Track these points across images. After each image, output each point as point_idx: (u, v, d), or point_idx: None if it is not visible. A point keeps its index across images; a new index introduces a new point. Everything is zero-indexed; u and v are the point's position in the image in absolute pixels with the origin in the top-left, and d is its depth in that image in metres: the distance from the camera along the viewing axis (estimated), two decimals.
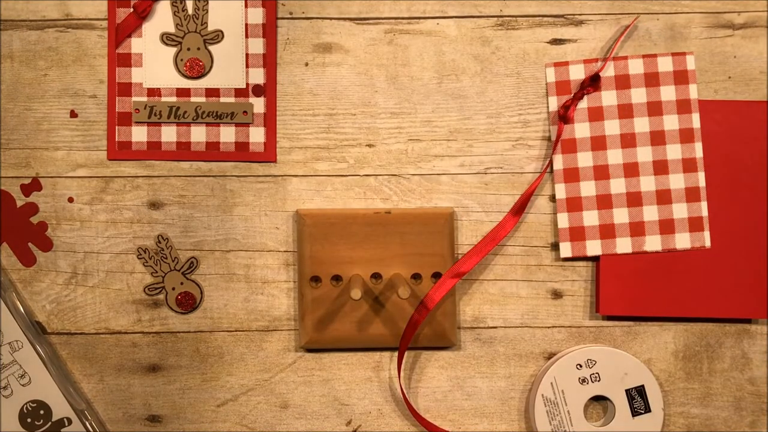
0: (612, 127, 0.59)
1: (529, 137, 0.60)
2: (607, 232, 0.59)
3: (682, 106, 0.59)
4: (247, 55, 0.59)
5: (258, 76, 0.59)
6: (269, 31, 0.59)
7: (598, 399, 0.60)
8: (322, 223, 0.58)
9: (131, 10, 0.58)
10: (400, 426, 0.60)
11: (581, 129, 0.59)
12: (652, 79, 0.59)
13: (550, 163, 0.59)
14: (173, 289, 0.59)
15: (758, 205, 0.59)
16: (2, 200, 0.59)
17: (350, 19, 0.59)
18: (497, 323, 0.60)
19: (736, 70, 0.60)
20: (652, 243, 0.59)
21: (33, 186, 0.59)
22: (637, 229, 0.59)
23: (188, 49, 0.59)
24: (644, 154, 0.59)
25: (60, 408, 0.58)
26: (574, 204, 0.59)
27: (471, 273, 0.59)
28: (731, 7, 0.59)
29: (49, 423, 0.58)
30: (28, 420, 0.58)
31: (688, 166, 0.59)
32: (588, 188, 0.59)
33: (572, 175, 0.59)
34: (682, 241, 0.59)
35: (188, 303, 0.59)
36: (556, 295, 0.60)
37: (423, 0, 0.59)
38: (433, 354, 0.60)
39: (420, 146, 0.60)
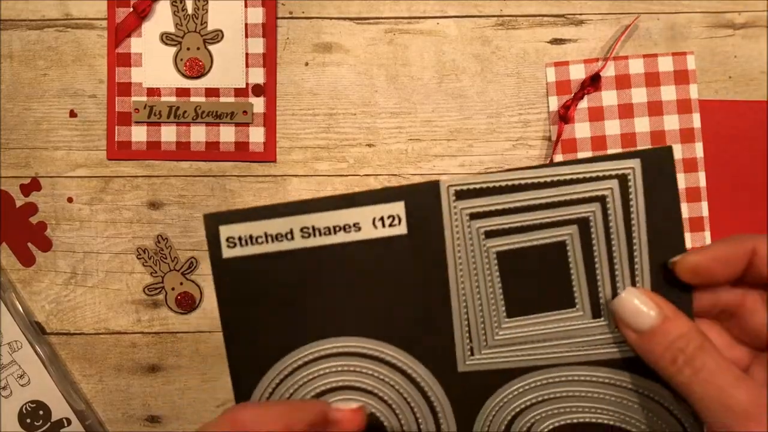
0: (612, 127, 0.59)
1: (530, 137, 0.60)
2: None
3: (683, 106, 0.59)
4: (246, 54, 0.59)
5: (258, 76, 0.59)
6: (269, 30, 0.59)
7: None
8: None
9: (131, 9, 0.58)
10: None
11: (582, 129, 0.59)
12: (652, 79, 0.59)
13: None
14: (173, 289, 0.59)
15: (758, 205, 0.59)
16: (2, 200, 0.59)
17: (350, 19, 0.59)
18: None
19: (737, 69, 0.60)
20: None
21: (32, 186, 0.59)
22: None
23: (188, 49, 0.59)
24: None
25: (59, 408, 0.58)
26: None
27: None
28: (732, 7, 0.59)
29: (49, 423, 0.58)
30: (28, 420, 0.58)
31: (689, 166, 0.59)
32: None
33: None
34: None
35: (188, 303, 0.59)
36: None
37: (423, 0, 0.59)
38: None
39: (420, 146, 0.60)
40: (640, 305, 0.28)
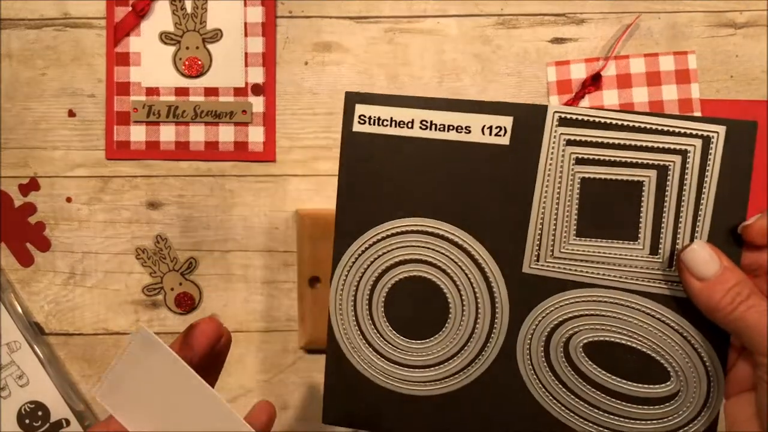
0: None
1: None
2: None
3: (684, 106, 0.59)
4: (246, 54, 0.59)
5: (257, 75, 0.59)
6: (268, 29, 0.59)
7: None
8: (322, 223, 0.57)
9: (130, 8, 0.58)
10: None
11: None
12: (653, 79, 0.59)
13: None
14: (172, 289, 0.59)
15: (759, 205, 0.59)
16: (0, 200, 0.59)
17: (350, 18, 0.59)
18: None
19: (738, 69, 0.59)
20: None
21: (31, 186, 0.59)
22: None
23: (187, 48, 0.58)
24: None
25: (58, 409, 0.58)
26: None
27: None
28: (733, 6, 0.59)
29: (48, 424, 0.58)
30: (26, 421, 0.58)
31: None
32: None
33: None
34: None
35: (187, 303, 0.59)
36: None
37: None
38: None
39: None
40: (707, 257, 0.32)
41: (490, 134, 0.35)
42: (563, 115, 0.34)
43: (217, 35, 0.58)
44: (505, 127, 0.35)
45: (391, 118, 0.36)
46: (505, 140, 0.35)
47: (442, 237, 0.36)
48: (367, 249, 0.37)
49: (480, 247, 0.36)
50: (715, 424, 0.35)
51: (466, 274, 0.36)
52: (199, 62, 0.58)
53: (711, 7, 0.59)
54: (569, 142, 0.35)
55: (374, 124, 0.36)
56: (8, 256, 0.59)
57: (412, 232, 0.36)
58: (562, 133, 0.35)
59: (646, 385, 0.35)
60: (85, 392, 0.59)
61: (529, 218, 0.35)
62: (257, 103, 0.59)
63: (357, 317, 0.38)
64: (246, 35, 0.59)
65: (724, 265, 0.32)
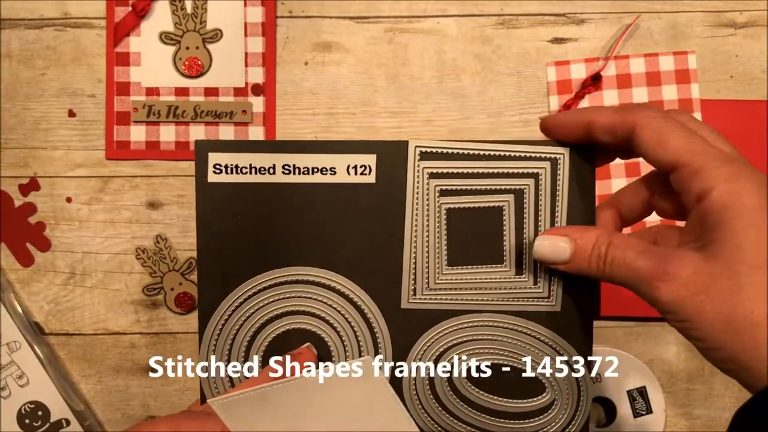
0: None
1: (530, 137, 0.59)
2: None
3: (684, 106, 0.59)
4: (246, 54, 0.59)
5: (257, 75, 0.59)
6: (269, 29, 0.59)
7: (599, 400, 0.59)
8: None
9: (130, 9, 0.58)
10: None
11: None
12: (653, 79, 0.59)
13: None
14: (172, 289, 0.59)
15: None
16: (0, 200, 0.59)
17: (350, 18, 0.59)
18: None
19: (738, 69, 0.59)
20: None
21: (31, 186, 0.59)
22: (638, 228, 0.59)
23: (187, 48, 0.58)
24: None
25: (58, 409, 0.58)
26: None
27: None
28: (733, 6, 0.59)
29: (48, 424, 0.58)
30: (26, 421, 0.58)
31: None
32: None
33: None
34: None
35: (187, 303, 0.59)
36: None
37: None
38: None
39: None
40: (552, 242, 0.33)
41: (356, 173, 0.35)
42: (424, 149, 0.35)
43: (217, 35, 0.58)
44: (369, 166, 0.35)
45: (250, 164, 0.34)
46: (371, 178, 0.35)
47: (318, 284, 0.36)
48: (237, 308, 0.36)
49: (357, 289, 0.36)
50: (587, 426, 0.37)
51: (346, 319, 0.36)
52: (199, 62, 0.58)
53: (711, 7, 0.59)
54: (432, 175, 0.35)
55: (232, 173, 0.34)
56: (8, 256, 0.59)
57: (286, 283, 0.35)
58: (425, 167, 0.35)
59: (525, 400, 0.37)
60: (85, 392, 0.59)
61: (403, 254, 0.35)
62: (257, 103, 0.59)
63: (233, 383, 0.36)
64: (246, 35, 0.59)
65: (573, 238, 0.33)
